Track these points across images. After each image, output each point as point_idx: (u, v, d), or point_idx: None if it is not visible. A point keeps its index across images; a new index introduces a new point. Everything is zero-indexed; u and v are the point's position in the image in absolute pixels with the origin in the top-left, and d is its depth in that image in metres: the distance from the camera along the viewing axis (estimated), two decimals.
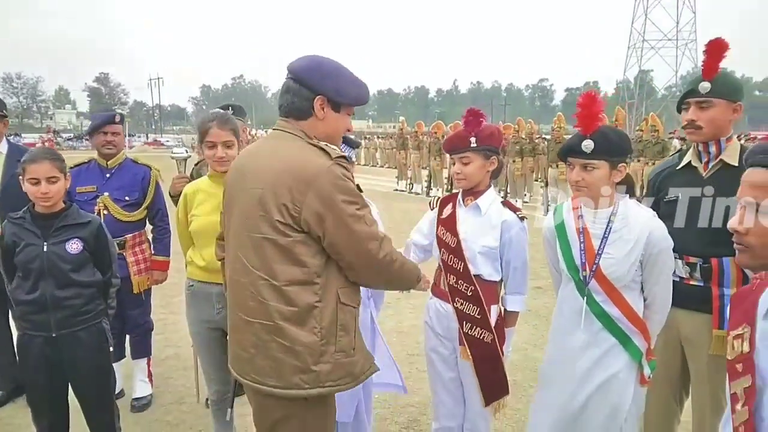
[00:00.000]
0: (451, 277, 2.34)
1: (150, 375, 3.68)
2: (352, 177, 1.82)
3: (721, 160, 2.18)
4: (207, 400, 3.57)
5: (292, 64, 1.87)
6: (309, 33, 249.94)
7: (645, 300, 2.06)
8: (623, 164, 2.03)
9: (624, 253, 1.98)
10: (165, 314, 5.15)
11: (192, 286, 2.60)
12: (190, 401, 3.67)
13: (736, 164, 2.09)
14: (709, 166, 2.21)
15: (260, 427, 1.92)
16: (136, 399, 3.54)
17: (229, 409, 2.43)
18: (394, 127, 39.70)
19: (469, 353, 2.32)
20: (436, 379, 2.55)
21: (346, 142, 2.46)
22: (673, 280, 2.08)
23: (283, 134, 1.84)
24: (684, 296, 2.13)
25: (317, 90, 1.80)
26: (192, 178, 3.31)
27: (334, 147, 1.82)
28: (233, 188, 1.87)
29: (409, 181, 15.90)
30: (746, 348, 1.25)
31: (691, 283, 2.16)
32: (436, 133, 15.23)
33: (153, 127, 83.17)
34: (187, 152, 3.53)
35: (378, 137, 28.64)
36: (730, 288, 2.09)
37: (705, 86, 2.13)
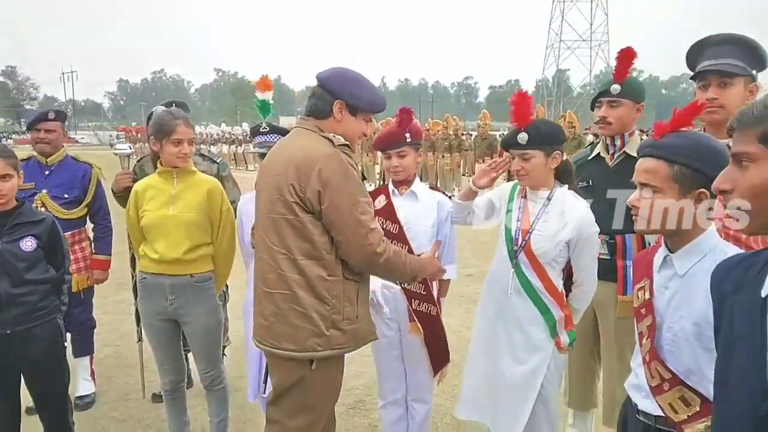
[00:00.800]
0: None
1: (92, 373, 3.67)
2: (355, 165, 2.02)
3: (624, 151, 2.52)
4: (153, 395, 3.62)
5: (320, 72, 2.10)
6: (235, 26, 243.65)
7: (574, 281, 2.34)
8: (558, 152, 2.30)
9: (552, 232, 2.26)
10: (99, 315, 5.04)
11: (145, 278, 2.67)
12: (135, 397, 3.69)
13: (636, 155, 2.42)
14: (615, 157, 2.55)
15: (276, 390, 2.11)
16: (80, 397, 3.53)
17: (263, 384, 2.55)
18: None
19: (420, 328, 2.54)
20: (381, 359, 2.75)
21: (286, 133, 2.62)
22: (603, 257, 2.42)
23: (301, 130, 2.08)
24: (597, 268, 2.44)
25: (337, 95, 2.03)
26: (135, 174, 3.34)
27: (341, 137, 2.02)
28: (261, 179, 2.11)
29: None
30: (647, 296, 1.59)
31: (600, 257, 2.46)
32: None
33: (67, 123, 78.24)
34: (130, 148, 3.54)
35: None
36: (631, 260, 2.42)
37: (616, 88, 2.46)
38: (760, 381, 0.99)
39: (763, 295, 1.02)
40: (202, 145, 7.54)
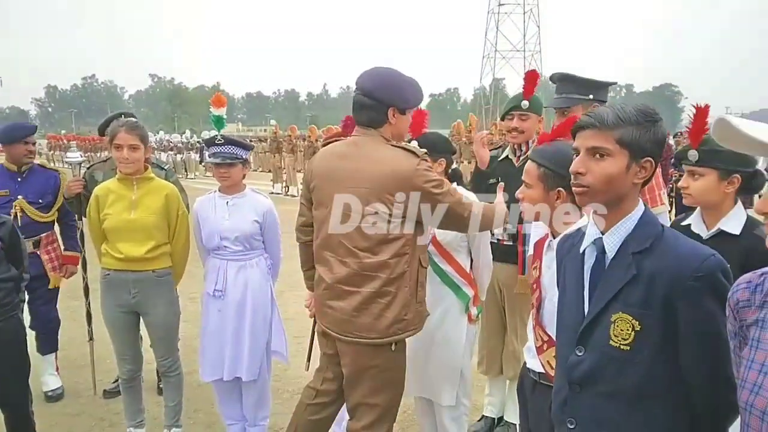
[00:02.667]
0: None
1: (57, 369, 3.90)
2: (432, 167, 2.30)
3: (527, 156, 3.00)
4: (104, 391, 3.82)
5: (362, 81, 2.28)
6: (170, 31, 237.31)
7: (472, 262, 2.77)
8: (442, 159, 2.69)
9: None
10: None
11: (108, 274, 2.92)
12: (86, 394, 3.87)
13: None
14: (520, 160, 3.06)
15: (353, 375, 2.32)
16: (51, 390, 3.77)
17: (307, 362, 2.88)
18: (265, 130, 39.46)
19: None
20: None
21: (242, 145, 2.93)
22: (493, 242, 2.90)
23: (367, 139, 2.26)
24: (500, 253, 2.98)
25: (389, 102, 2.23)
26: (85, 181, 3.53)
27: (415, 146, 2.30)
28: (328, 187, 2.26)
29: (284, 184, 16.24)
30: (537, 274, 1.96)
31: (505, 243, 3.01)
32: (310, 136, 15.76)
33: None
34: (81, 156, 3.74)
35: (250, 141, 28.42)
36: (530, 245, 2.90)
37: (525, 104, 3.01)
38: (579, 308, 1.42)
39: (581, 251, 1.45)
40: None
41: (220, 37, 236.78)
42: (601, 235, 1.41)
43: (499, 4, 59.28)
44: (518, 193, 1.95)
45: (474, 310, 2.71)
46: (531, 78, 3.04)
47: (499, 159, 3.15)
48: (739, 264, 1.34)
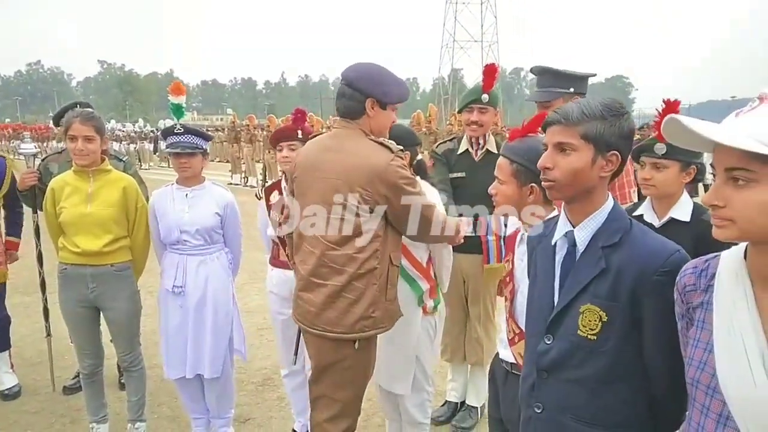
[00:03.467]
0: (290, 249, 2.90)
1: (12, 366, 3.80)
2: (406, 165, 2.27)
3: (486, 149, 3.12)
4: (64, 387, 3.75)
5: (345, 72, 2.27)
6: (120, 16, 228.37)
7: (432, 256, 2.79)
8: (407, 152, 2.63)
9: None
10: None
11: (65, 269, 2.85)
12: (45, 392, 3.79)
13: (496, 152, 3.03)
14: (479, 153, 3.13)
15: (318, 368, 2.32)
16: (7, 389, 3.68)
17: (293, 356, 2.86)
18: (221, 119, 38.68)
19: None
20: (282, 334, 3.08)
21: (201, 135, 2.90)
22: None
23: (347, 132, 2.26)
24: (464, 244, 2.95)
25: (368, 93, 2.20)
26: (40, 173, 3.43)
27: (392, 141, 2.26)
28: (307, 177, 2.26)
29: (243, 174, 16.00)
30: (509, 267, 1.99)
31: (467, 234, 3.01)
32: (269, 126, 15.57)
33: None
34: (36, 148, 3.62)
35: (206, 130, 27.81)
36: (491, 236, 3.04)
37: (485, 97, 3.03)
38: (549, 298, 1.49)
39: (552, 243, 1.52)
40: None
41: (173, 22, 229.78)
42: (572, 228, 1.47)
43: None
44: (491, 189, 1.96)
45: (430, 303, 2.72)
46: (490, 71, 3.08)
47: (459, 153, 3.21)
48: (691, 249, 1.42)
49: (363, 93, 2.20)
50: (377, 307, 2.22)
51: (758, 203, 1.00)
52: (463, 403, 3.50)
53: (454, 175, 3.16)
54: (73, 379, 3.81)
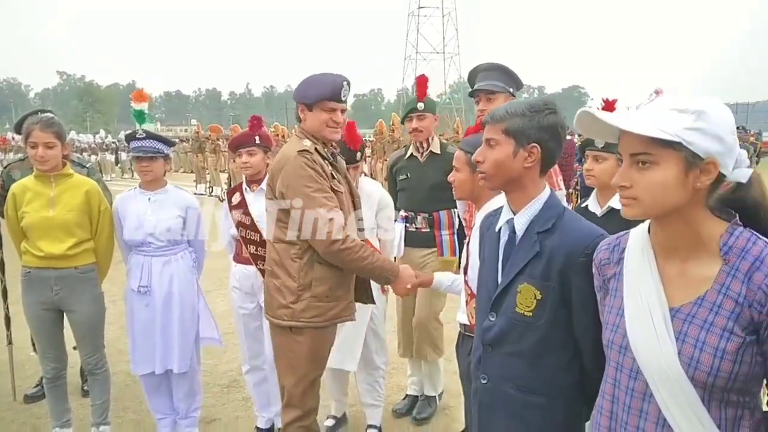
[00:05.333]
0: (251, 246, 3.01)
1: None
2: (314, 165, 2.25)
3: (430, 150, 3.34)
4: (25, 396, 3.73)
5: None
6: (79, 27, 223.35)
7: (381, 242, 3.05)
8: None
9: (365, 210, 2.87)
10: None
11: (29, 272, 2.87)
12: (6, 400, 3.76)
13: (439, 152, 3.32)
14: (424, 155, 3.36)
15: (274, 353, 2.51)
16: None
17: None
18: (185, 130, 38.19)
19: None
20: (244, 330, 3.19)
21: (163, 140, 2.98)
22: (412, 230, 3.26)
23: (291, 137, 2.47)
24: (419, 239, 3.30)
25: (296, 99, 2.39)
26: (3, 181, 3.44)
27: (309, 141, 2.33)
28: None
29: (208, 184, 15.89)
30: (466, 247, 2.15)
31: (423, 230, 3.32)
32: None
33: None
34: None
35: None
36: (445, 230, 3.30)
37: (421, 105, 3.28)
38: (494, 279, 1.65)
39: (496, 230, 1.68)
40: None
41: (135, 32, 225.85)
42: (513, 216, 1.64)
43: (419, 7, 60.52)
44: (450, 177, 2.18)
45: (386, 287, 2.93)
46: (422, 82, 3.37)
47: (406, 157, 3.45)
48: None
49: (294, 100, 2.41)
50: (298, 300, 2.29)
51: (657, 182, 1.15)
52: (423, 395, 3.63)
53: (401, 177, 3.42)
54: (35, 387, 3.80)
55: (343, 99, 2.35)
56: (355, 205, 2.55)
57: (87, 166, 3.75)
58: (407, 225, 3.33)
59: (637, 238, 1.31)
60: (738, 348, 1.10)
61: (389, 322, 4.17)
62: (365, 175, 3.27)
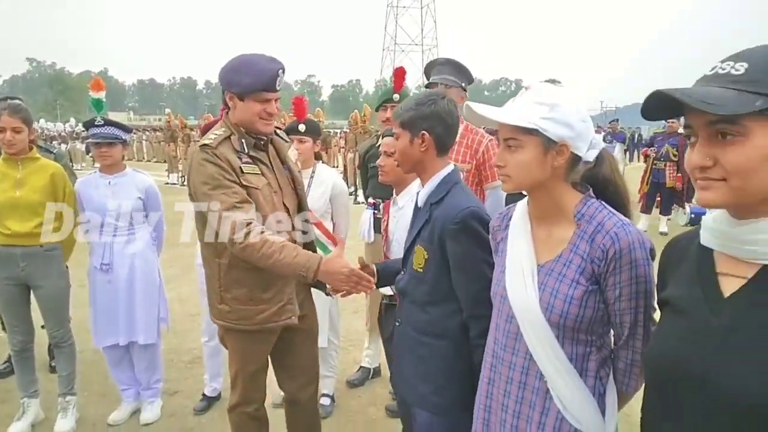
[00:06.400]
0: None
1: None
2: (216, 159, 2.07)
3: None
4: None
5: None
6: (49, 12, 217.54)
7: (334, 225, 3.30)
8: (319, 140, 3.26)
9: (318, 194, 3.18)
10: None
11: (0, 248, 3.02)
12: None
13: None
14: None
15: None
16: None
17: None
18: (159, 119, 37.72)
19: None
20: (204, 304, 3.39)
21: (121, 127, 3.16)
22: (379, 217, 3.35)
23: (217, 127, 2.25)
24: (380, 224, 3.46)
25: (224, 87, 2.19)
26: None
27: (217, 134, 2.15)
28: None
29: (180, 173, 15.90)
30: (385, 224, 2.50)
31: (377, 216, 3.49)
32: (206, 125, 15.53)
33: None
34: None
35: (143, 130, 27.23)
36: None
37: (396, 96, 3.47)
38: (408, 242, 1.93)
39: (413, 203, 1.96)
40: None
41: (108, 19, 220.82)
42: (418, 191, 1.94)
43: None
44: (379, 161, 2.42)
45: None
46: (400, 74, 3.54)
47: (377, 146, 3.63)
48: None
49: (223, 88, 2.20)
50: (221, 301, 2.23)
51: (522, 162, 1.40)
52: (377, 369, 3.89)
53: (372, 164, 3.58)
54: (3, 364, 3.95)
55: (278, 88, 2.18)
56: (297, 192, 2.41)
57: (54, 151, 3.89)
58: (375, 212, 3.50)
59: (520, 208, 1.56)
60: (583, 295, 1.35)
61: (360, 302, 4.45)
62: (322, 162, 3.43)
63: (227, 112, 2.24)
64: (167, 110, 20.19)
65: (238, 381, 2.38)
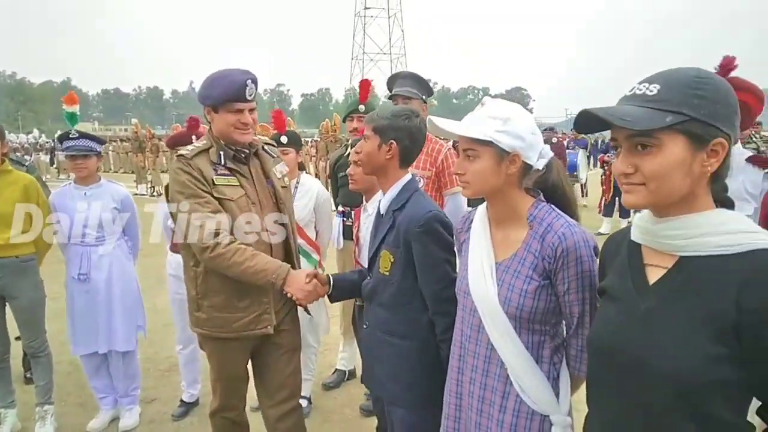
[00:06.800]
0: None
1: None
2: (189, 169, 2.16)
3: None
4: None
5: None
6: (10, 21, 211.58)
7: (317, 233, 3.41)
8: (300, 151, 3.39)
9: (303, 204, 3.30)
10: None
11: None
12: None
13: None
14: None
15: None
16: None
17: None
18: (125, 129, 37.21)
19: None
20: (179, 314, 3.45)
21: (95, 139, 3.24)
22: (348, 224, 3.55)
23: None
24: (347, 233, 3.59)
25: (201, 102, 2.26)
26: None
27: (196, 146, 2.25)
28: None
29: (150, 184, 15.76)
30: (356, 231, 2.62)
31: (347, 224, 3.62)
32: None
33: None
34: None
35: (110, 141, 26.76)
36: None
37: (362, 107, 3.62)
38: (372, 248, 2.06)
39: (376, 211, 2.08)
40: None
41: (70, 28, 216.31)
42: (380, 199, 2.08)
43: (365, 8, 61.09)
44: (349, 170, 2.53)
45: (321, 271, 3.28)
46: (365, 86, 3.72)
47: (346, 155, 3.76)
48: None
49: (200, 102, 2.27)
50: (199, 308, 2.28)
51: (479, 171, 1.55)
52: (351, 372, 4.00)
53: (341, 174, 3.71)
54: None
55: (249, 98, 2.21)
56: (279, 207, 2.40)
57: (26, 164, 3.93)
58: (344, 219, 3.63)
59: (480, 212, 1.72)
60: (536, 289, 1.51)
61: (334, 307, 4.55)
62: (306, 172, 3.55)
63: (210, 127, 2.32)
64: (134, 120, 19.95)
65: (217, 387, 2.43)
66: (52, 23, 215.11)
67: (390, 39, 62.31)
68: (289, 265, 2.18)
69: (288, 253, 2.41)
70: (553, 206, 1.58)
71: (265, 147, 2.47)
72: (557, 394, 1.55)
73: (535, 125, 1.57)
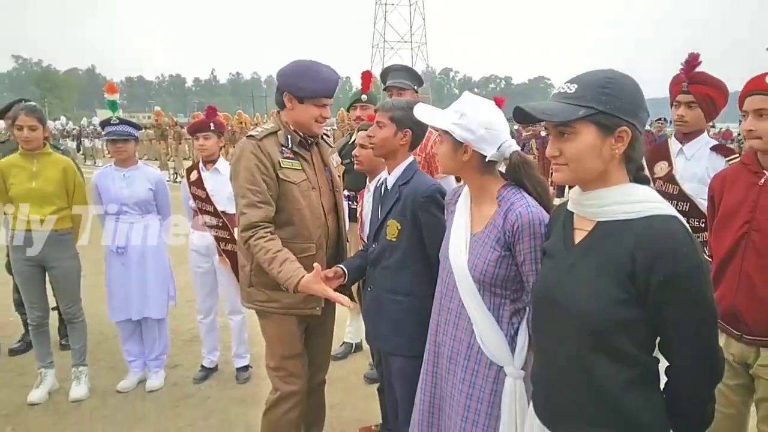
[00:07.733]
0: (206, 216, 3.64)
1: None
2: (257, 151, 2.26)
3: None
4: (9, 350, 4.27)
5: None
6: (34, 8, 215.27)
7: None
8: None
9: None
10: None
11: (15, 234, 3.40)
12: None
13: None
14: None
15: None
16: None
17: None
18: (149, 117, 37.90)
19: (227, 260, 3.65)
20: (200, 286, 3.81)
21: (133, 125, 3.56)
22: (353, 208, 3.78)
23: (270, 121, 2.47)
24: (351, 214, 3.81)
25: (283, 88, 2.35)
26: None
27: (265, 128, 2.36)
28: None
29: (173, 170, 16.23)
30: (360, 208, 2.89)
31: (352, 207, 3.86)
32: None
33: None
34: None
35: None
36: None
37: (364, 97, 3.87)
38: (378, 218, 2.35)
39: (380, 186, 2.38)
40: None
41: (94, 16, 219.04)
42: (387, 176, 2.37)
43: None
44: (355, 152, 2.77)
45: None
46: (366, 77, 3.98)
47: (351, 143, 4.02)
48: None
49: (281, 88, 2.37)
50: (251, 283, 2.41)
51: (443, 153, 1.84)
52: (359, 344, 4.31)
53: (346, 161, 3.98)
54: (18, 343, 4.34)
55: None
56: (334, 189, 2.57)
57: (62, 148, 4.29)
58: (350, 203, 3.86)
59: (466, 189, 1.98)
60: (498, 258, 1.76)
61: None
62: None
63: (278, 111, 2.44)
64: (156, 108, 20.44)
65: (275, 375, 2.46)
66: (77, 11, 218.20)
67: (411, 27, 62.16)
68: (301, 275, 2.16)
69: (339, 237, 2.61)
70: (521, 190, 1.83)
71: (323, 137, 2.61)
72: (513, 349, 1.81)
73: (498, 122, 1.80)
